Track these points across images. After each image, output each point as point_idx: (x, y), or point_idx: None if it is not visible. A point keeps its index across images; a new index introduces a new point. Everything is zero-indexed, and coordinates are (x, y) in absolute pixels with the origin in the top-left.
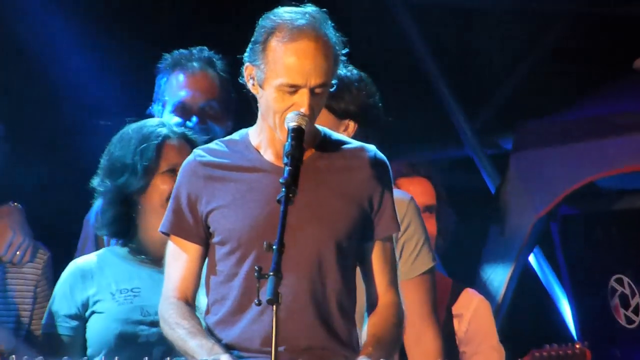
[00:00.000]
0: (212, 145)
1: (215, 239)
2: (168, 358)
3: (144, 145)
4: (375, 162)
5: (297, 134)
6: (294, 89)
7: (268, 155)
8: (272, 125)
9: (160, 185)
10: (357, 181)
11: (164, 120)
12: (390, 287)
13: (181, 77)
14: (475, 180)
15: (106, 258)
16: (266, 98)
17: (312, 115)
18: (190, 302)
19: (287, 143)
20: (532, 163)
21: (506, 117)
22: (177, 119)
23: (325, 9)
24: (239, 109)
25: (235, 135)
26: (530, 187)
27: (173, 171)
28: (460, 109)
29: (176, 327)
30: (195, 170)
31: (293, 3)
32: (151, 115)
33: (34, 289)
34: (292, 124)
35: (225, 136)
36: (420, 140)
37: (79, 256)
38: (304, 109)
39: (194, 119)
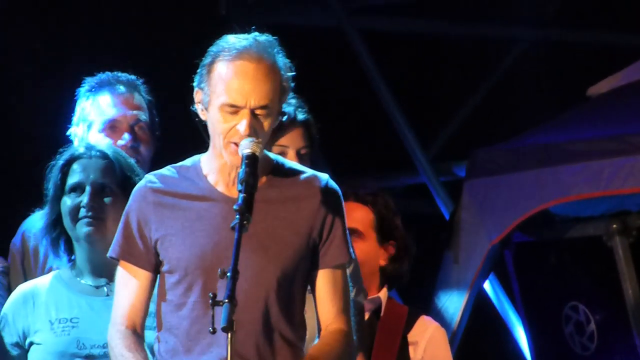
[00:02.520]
0: (163, 171)
1: (164, 268)
2: None
3: (48, 169)
4: (326, 191)
5: (250, 160)
6: (235, 109)
7: (218, 184)
8: (219, 147)
9: (67, 203)
10: (306, 211)
11: (85, 141)
12: (340, 315)
13: (109, 97)
14: (429, 207)
15: (52, 284)
16: (211, 120)
17: (256, 136)
18: (138, 330)
19: (242, 170)
20: (485, 190)
21: (460, 144)
22: (106, 140)
23: (275, 37)
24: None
25: (188, 162)
26: (483, 214)
27: (77, 188)
28: (414, 136)
29: (120, 358)
30: (145, 196)
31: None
32: (68, 138)
33: None
34: (246, 151)
35: (149, 160)
36: (374, 167)
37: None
38: (243, 129)
39: (126, 136)
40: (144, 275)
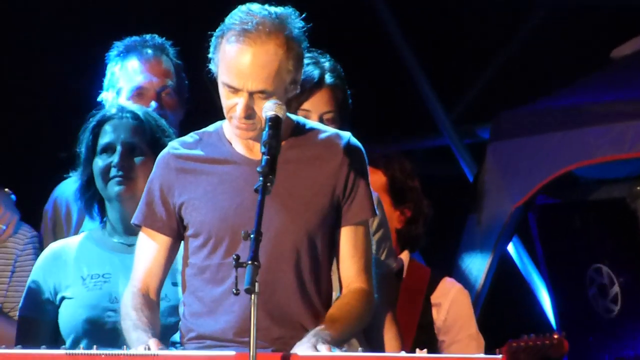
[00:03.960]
0: (186, 137)
1: (188, 232)
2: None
3: (80, 131)
4: (347, 149)
5: (274, 123)
6: (234, 90)
7: (239, 148)
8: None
9: (99, 164)
10: (328, 170)
11: (116, 103)
12: (360, 274)
13: (136, 63)
14: (453, 170)
15: (82, 243)
16: (219, 91)
17: (255, 118)
18: (150, 293)
19: (265, 132)
20: (509, 152)
21: (484, 106)
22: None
23: (293, 7)
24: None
25: (210, 127)
26: (507, 176)
27: (108, 149)
28: (438, 98)
29: (126, 318)
30: (168, 163)
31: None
32: (101, 104)
33: (13, 262)
34: (270, 114)
35: (178, 124)
36: (398, 130)
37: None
38: (239, 112)
39: (153, 104)
40: (164, 240)
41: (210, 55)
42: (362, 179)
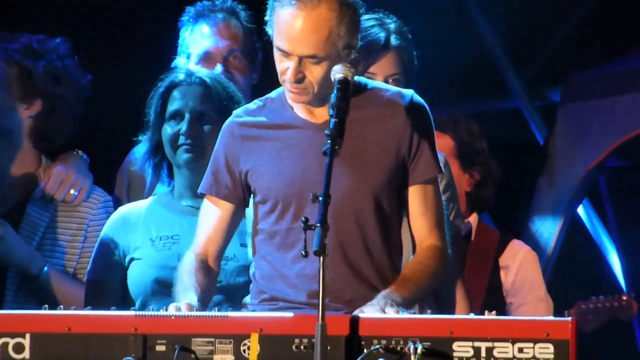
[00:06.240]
0: (250, 104)
1: (256, 199)
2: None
3: (150, 96)
4: (411, 107)
5: (342, 85)
6: (285, 54)
7: (301, 112)
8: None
9: (167, 131)
10: (391, 129)
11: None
12: (433, 232)
13: (205, 27)
14: (524, 132)
15: (150, 206)
16: (274, 55)
17: (306, 82)
18: (208, 259)
19: (333, 94)
20: (580, 115)
21: (555, 68)
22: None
23: None
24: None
25: (273, 93)
26: (578, 139)
27: (177, 115)
28: (509, 60)
29: (178, 281)
30: (232, 131)
31: None
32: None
33: (85, 227)
34: (339, 76)
35: (249, 88)
36: (468, 92)
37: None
38: (288, 75)
39: (219, 67)
40: (226, 207)
41: (266, 19)
42: (426, 137)
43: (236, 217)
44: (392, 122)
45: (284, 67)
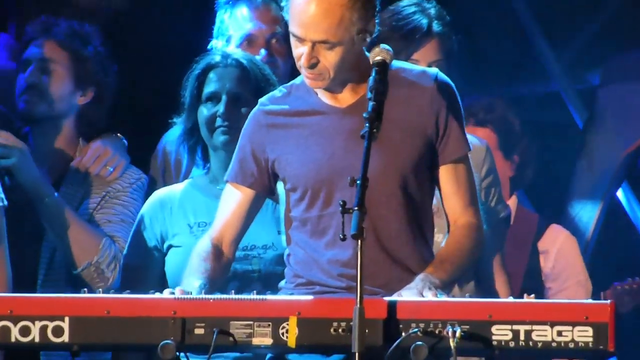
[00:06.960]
0: (275, 92)
1: (286, 186)
2: (254, 291)
3: (185, 78)
4: (436, 86)
5: (381, 68)
6: (299, 39)
7: (325, 97)
8: None
9: (204, 113)
10: (417, 109)
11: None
12: (467, 209)
13: (245, 10)
14: (563, 116)
15: (187, 190)
16: (290, 40)
17: (320, 67)
18: (222, 244)
19: (371, 77)
20: (620, 97)
21: (594, 51)
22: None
23: None
24: None
25: (297, 80)
26: (618, 122)
27: (213, 98)
28: (548, 43)
29: (188, 264)
30: (258, 120)
31: None
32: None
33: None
34: (377, 59)
35: (289, 72)
36: (508, 75)
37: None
38: (302, 61)
39: (263, 51)
40: (248, 193)
41: (282, 4)
42: (453, 115)
43: (256, 204)
44: (417, 102)
45: (299, 52)
